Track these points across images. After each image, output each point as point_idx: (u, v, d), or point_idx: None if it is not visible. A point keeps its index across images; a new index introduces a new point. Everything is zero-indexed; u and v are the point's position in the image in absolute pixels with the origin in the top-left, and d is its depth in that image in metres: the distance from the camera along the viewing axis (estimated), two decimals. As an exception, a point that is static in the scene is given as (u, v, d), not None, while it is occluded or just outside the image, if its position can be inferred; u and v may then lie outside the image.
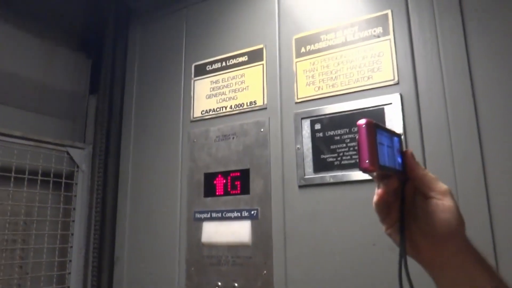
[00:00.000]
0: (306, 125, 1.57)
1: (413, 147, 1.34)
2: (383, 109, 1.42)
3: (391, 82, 1.43)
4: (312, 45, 1.63)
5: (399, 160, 0.59)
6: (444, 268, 0.59)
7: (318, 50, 1.61)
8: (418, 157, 1.31)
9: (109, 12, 2.26)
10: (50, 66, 2.18)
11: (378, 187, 0.60)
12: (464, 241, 0.58)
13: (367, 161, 0.53)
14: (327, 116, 1.53)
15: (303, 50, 1.65)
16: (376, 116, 1.42)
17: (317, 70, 1.60)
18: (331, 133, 1.51)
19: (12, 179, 1.79)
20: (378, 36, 1.49)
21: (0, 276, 1.73)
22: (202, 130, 1.84)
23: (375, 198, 0.60)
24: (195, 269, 1.71)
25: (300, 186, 1.54)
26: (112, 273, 1.95)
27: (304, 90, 1.61)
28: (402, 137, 1.35)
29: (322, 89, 1.57)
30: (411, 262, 0.59)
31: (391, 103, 1.41)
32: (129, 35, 2.24)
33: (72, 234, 2.01)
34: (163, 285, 1.78)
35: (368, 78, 1.48)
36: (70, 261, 1.98)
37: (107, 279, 1.96)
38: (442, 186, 0.59)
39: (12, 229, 1.81)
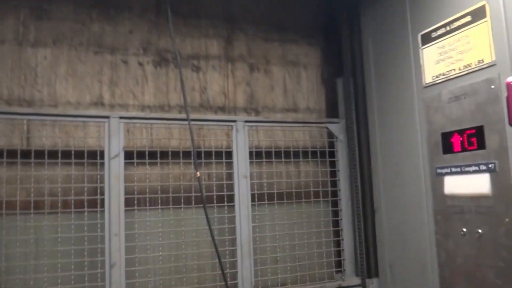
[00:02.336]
0: (538, 76, 1.56)
1: None
2: None
3: None
4: (539, -9, 1.57)
5: None
6: None
7: (546, -5, 1.55)
8: None
9: (342, 8, 2.70)
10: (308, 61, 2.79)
11: None
12: None
13: None
14: (561, 64, 1.48)
15: (529, -2, 1.61)
16: None
17: (546, 16, 1.54)
18: None
19: (291, 154, 2.49)
20: None
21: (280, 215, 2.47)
22: (434, 94, 2.03)
23: None
24: (441, 217, 1.97)
25: (538, 138, 1.56)
26: (374, 219, 2.41)
27: (533, 40, 1.58)
28: None
29: (554, 36, 1.52)
30: None
31: None
32: (361, 22, 2.58)
33: (340, 190, 2.57)
34: (415, 231, 2.12)
35: None
36: (341, 210, 2.55)
37: (371, 225, 2.44)
38: None
39: (297, 187, 2.52)
